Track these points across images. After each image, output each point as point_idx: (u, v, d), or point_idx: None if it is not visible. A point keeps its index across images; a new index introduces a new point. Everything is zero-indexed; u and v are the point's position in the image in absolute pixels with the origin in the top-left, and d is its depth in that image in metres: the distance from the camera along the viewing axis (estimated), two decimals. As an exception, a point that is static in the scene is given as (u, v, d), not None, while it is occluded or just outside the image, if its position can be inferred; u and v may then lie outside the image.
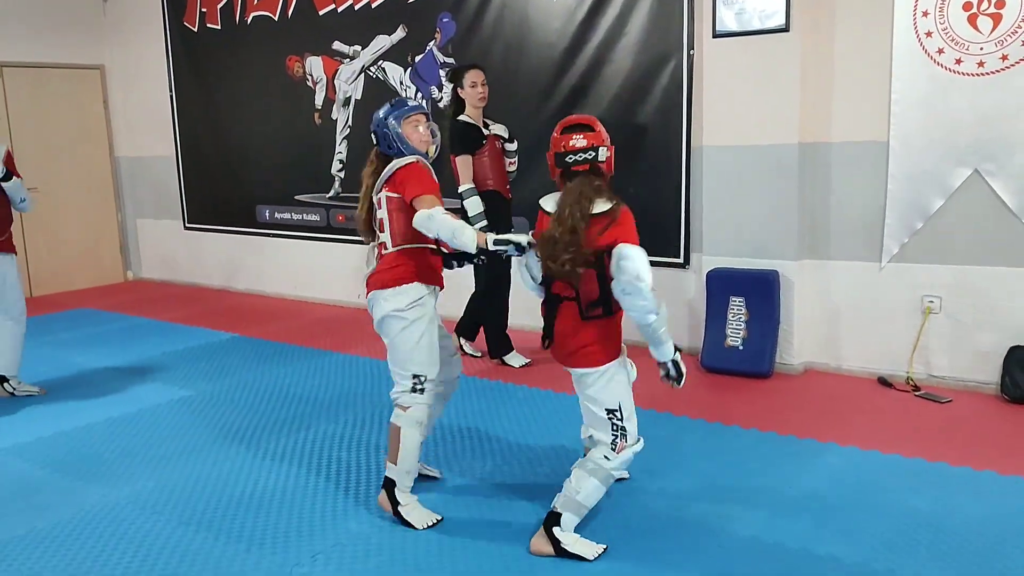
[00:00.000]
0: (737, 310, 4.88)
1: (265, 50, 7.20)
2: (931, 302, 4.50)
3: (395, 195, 3.07)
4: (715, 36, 4.82)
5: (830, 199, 4.73)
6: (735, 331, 4.86)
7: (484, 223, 4.73)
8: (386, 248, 3.12)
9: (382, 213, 3.11)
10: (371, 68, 6.57)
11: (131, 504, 3.38)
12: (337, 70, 6.79)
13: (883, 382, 4.61)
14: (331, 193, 7.00)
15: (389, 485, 3.16)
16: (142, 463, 3.81)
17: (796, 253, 4.76)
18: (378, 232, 3.16)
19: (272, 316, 6.83)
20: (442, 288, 3.22)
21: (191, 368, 5.34)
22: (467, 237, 2.88)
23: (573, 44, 5.43)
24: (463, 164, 4.82)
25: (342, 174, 6.90)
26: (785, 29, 4.57)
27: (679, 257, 5.22)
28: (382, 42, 6.45)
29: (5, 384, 4.79)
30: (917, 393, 4.42)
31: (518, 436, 3.98)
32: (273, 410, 4.49)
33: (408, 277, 3.08)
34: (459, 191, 4.81)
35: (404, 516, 3.11)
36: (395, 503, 3.13)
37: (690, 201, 5.14)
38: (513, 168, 5.07)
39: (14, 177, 4.67)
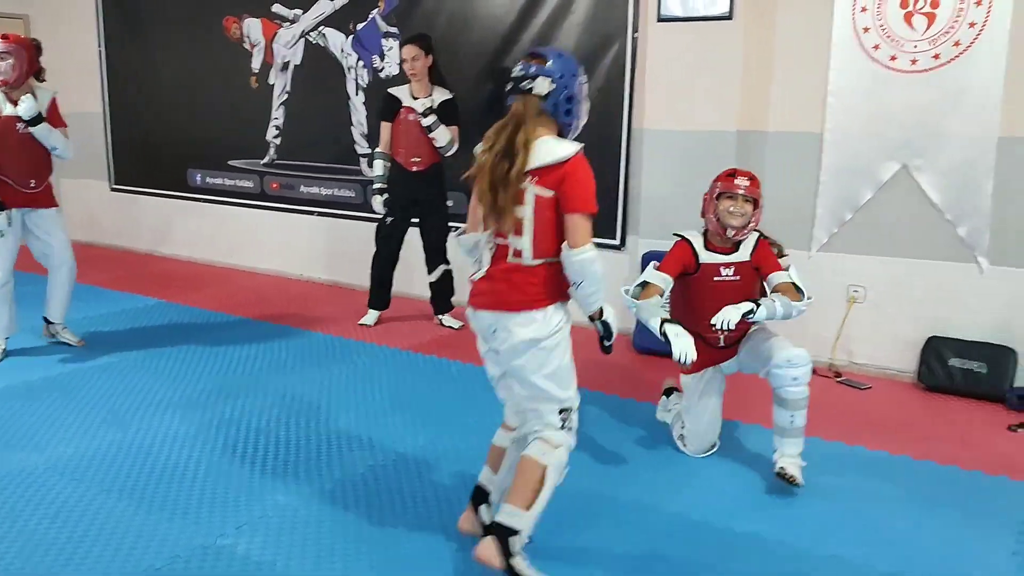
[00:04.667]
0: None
1: (202, 8, 6.97)
2: (856, 292, 4.64)
3: (550, 193, 2.41)
4: (659, 20, 4.85)
5: (764, 187, 4.79)
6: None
7: (378, 186, 5.24)
8: (518, 257, 2.46)
9: (523, 212, 2.43)
10: (311, 33, 6.42)
11: (50, 470, 3.27)
12: (276, 33, 6.62)
13: (807, 368, 4.74)
14: (266, 160, 6.84)
15: (506, 534, 2.46)
16: (61, 429, 3.69)
17: (730, 239, 4.84)
18: (508, 233, 2.47)
19: (201, 283, 6.67)
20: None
21: (114, 333, 5.18)
22: (601, 306, 2.52)
23: (518, 20, 5.40)
24: (382, 130, 5.24)
25: (278, 141, 6.74)
26: (728, 17, 4.62)
27: (615, 239, 5.26)
28: (324, 7, 6.31)
29: (50, 327, 4.92)
30: (839, 380, 4.56)
31: (453, 409, 3.98)
32: (200, 379, 4.39)
33: (547, 297, 2.47)
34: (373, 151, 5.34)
35: (518, 572, 2.48)
36: (508, 555, 2.46)
37: (629, 182, 5.18)
38: (439, 143, 5.10)
39: (44, 122, 4.55)
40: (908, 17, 4.29)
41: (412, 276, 5.79)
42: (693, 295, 3.44)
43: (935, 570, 2.69)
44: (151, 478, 3.24)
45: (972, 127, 4.20)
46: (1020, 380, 4.22)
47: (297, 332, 5.26)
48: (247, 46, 6.79)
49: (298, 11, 6.45)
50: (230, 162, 7.06)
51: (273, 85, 6.72)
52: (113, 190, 8.04)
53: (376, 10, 6.05)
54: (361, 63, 6.18)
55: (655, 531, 2.90)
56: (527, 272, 2.46)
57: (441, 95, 5.14)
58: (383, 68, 6.06)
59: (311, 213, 6.64)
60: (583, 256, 2.39)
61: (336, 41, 6.29)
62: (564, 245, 2.42)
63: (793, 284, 3.30)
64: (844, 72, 4.48)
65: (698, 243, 3.39)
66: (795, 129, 4.70)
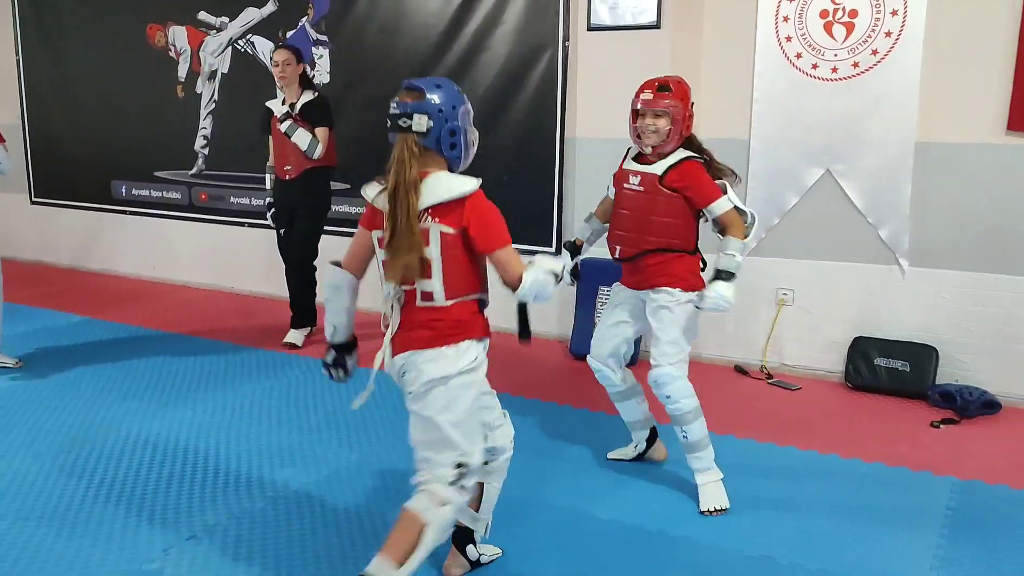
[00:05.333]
0: (605, 299, 4.98)
1: (124, 16, 6.78)
2: (785, 295, 4.73)
3: (453, 231, 2.30)
4: (589, 29, 4.90)
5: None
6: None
7: (270, 200, 5.22)
8: (429, 300, 2.33)
9: (430, 252, 2.30)
10: (239, 41, 6.31)
11: (-38, 498, 3.13)
12: (203, 41, 6.49)
13: (739, 370, 4.82)
14: (194, 170, 6.69)
15: None
16: (-24, 454, 3.54)
17: (662, 245, 4.90)
18: (415, 279, 2.33)
19: (128, 298, 6.48)
20: (489, 337, 2.48)
21: (37, 352, 4.99)
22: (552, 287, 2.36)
23: (450, 28, 5.39)
24: (269, 144, 5.15)
25: (206, 151, 6.60)
26: (656, 26, 4.69)
27: (551, 246, 5.28)
28: (252, 15, 6.21)
29: None
30: (770, 381, 4.64)
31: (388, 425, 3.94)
32: (125, 397, 4.26)
33: (459, 333, 2.34)
34: None
35: None
36: None
37: (562, 191, 5.20)
38: (301, 147, 4.88)
39: None
40: (828, 27, 4.40)
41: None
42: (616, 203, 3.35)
43: (863, 566, 2.75)
44: (72, 502, 3.12)
45: (890, 133, 4.33)
46: (942, 378, 4.35)
47: (228, 347, 5.15)
48: (172, 54, 6.64)
49: (225, 19, 6.34)
50: (156, 173, 6.89)
51: (200, 94, 6.58)
52: (33, 203, 7.76)
53: (306, 18, 5.98)
54: (304, 65, 6.08)
55: (589, 538, 2.91)
56: (439, 311, 2.33)
57: (306, 97, 4.99)
58: (314, 76, 5.98)
59: (242, 224, 6.51)
60: (527, 289, 2.30)
61: (265, 49, 6.19)
62: (501, 281, 2.35)
63: (736, 209, 3.15)
64: (768, 80, 4.58)
65: (632, 152, 3.32)
66: (723, 136, 4.77)
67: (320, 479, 3.35)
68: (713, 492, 3.14)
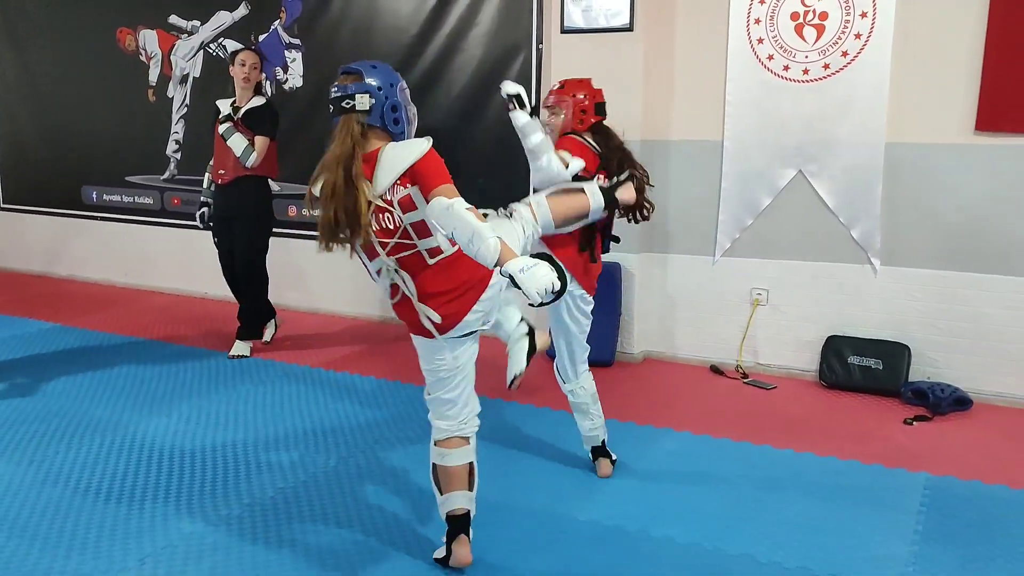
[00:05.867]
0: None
1: (93, 20, 6.71)
2: (759, 295, 4.77)
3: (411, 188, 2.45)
4: (563, 32, 4.91)
5: (669, 195, 4.92)
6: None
7: (204, 200, 5.09)
8: (438, 255, 2.49)
9: (417, 215, 2.43)
10: (211, 45, 6.26)
11: (-69, 510, 3.07)
12: (174, 45, 6.43)
13: (715, 370, 4.85)
14: (166, 175, 6.62)
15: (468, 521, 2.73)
16: (-55, 465, 3.48)
17: (637, 246, 4.92)
18: (413, 242, 2.47)
19: (100, 304, 6.40)
20: None
21: (4, 361, 4.91)
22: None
23: (424, 30, 5.38)
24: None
25: (178, 155, 6.54)
26: (629, 28, 4.71)
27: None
28: (223, 19, 6.16)
29: None
30: (746, 380, 4.68)
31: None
32: (98, 405, 4.21)
33: (484, 280, 2.56)
34: None
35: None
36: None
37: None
38: (235, 153, 4.74)
39: None
40: (799, 29, 4.45)
41: (312, 290, 5.70)
42: None
43: (841, 562, 2.77)
44: (46, 512, 3.08)
45: (861, 134, 4.38)
46: (914, 375, 4.41)
47: (202, 352, 5.10)
48: (143, 58, 6.57)
49: (196, 22, 6.28)
50: (128, 178, 6.81)
51: (172, 98, 6.52)
52: (2, 209, 7.64)
53: (278, 21, 5.94)
54: (264, 75, 6.04)
55: (570, 539, 2.91)
56: (454, 266, 2.49)
57: (254, 102, 4.86)
58: (287, 80, 5.95)
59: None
60: (452, 205, 2.31)
61: (237, 53, 6.14)
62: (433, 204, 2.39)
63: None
64: (740, 81, 4.62)
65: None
66: (697, 137, 4.81)
67: (297, 484, 3.32)
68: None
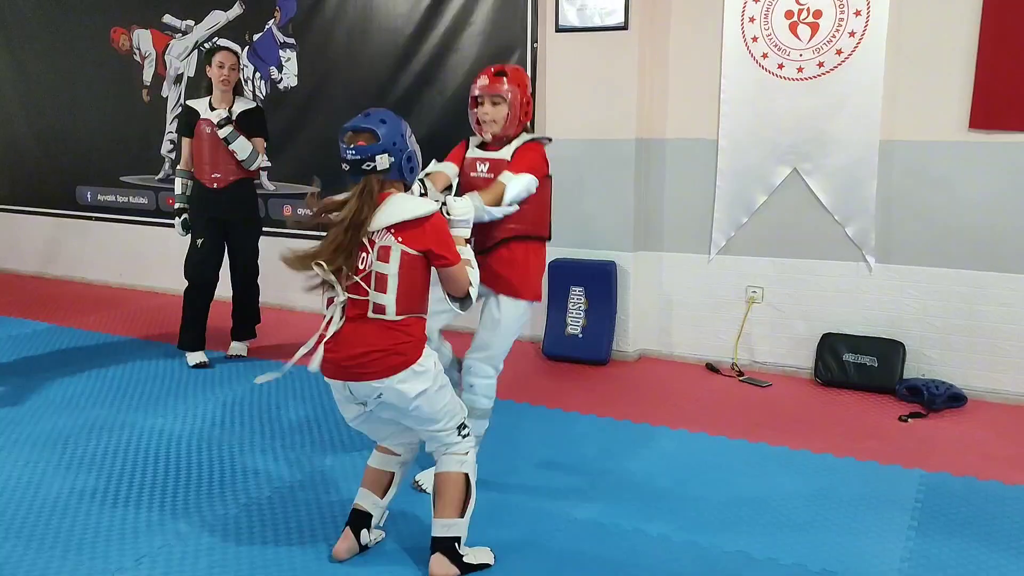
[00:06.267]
0: (577, 300, 5.01)
1: (87, 19, 6.69)
2: (754, 292, 4.78)
3: (415, 252, 2.47)
4: (558, 30, 4.91)
5: (664, 194, 4.93)
6: (575, 320, 4.99)
7: (180, 206, 4.86)
8: (380, 313, 2.48)
9: (386, 268, 2.46)
10: (205, 45, 6.25)
11: (-73, 512, 3.07)
12: (168, 45, 6.42)
13: (710, 368, 4.86)
14: (160, 175, 6.62)
15: (450, 543, 2.62)
16: (-60, 466, 3.47)
17: (633, 245, 4.93)
18: (366, 288, 2.48)
19: (95, 305, 6.39)
20: None
21: (1, 361, 4.91)
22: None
23: (418, 30, 5.38)
24: (183, 145, 4.85)
25: (172, 155, 6.53)
26: (624, 27, 4.72)
27: (522, 247, 5.28)
28: (217, 18, 6.15)
29: None
30: (741, 378, 4.69)
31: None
32: (94, 405, 4.20)
33: (418, 348, 2.53)
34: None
35: (474, 563, 2.66)
36: (459, 557, 2.62)
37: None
38: (240, 157, 4.67)
39: None
40: (793, 27, 4.46)
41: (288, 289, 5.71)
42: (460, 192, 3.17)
43: (836, 559, 2.78)
44: (42, 513, 3.07)
45: (855, 131, 4.39)
46: (909, 372, 4.42)
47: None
48: (137, 58, 6.56)
49: (190, 22, 6.28)
50: (122, 178, 6.80)
51: (167, 98, 6.51)
52: (-4, 210, 7.64)
53: (272, 20, 5.94)
54: (259, 75, 6.05)
55: (565, 537, 2.91)
56: (392, 330, 2.49)
57: (242, 104, 4.78)
58: (281, 79, 5.95)
59: (210, 229, 6.44)
60: (472, 301, 2.63)
61: (231, 52, 6.13)
62: (448, 296, 2.62)
63: (504, 187, 2.98)
64: (735, 80, 4.62)
65: (475, 141, 3.22)
66: (692, 136, 4.82)
67: (294, 484, 3.32)
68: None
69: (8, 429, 3.87)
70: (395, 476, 2.79)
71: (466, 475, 2.65)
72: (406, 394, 2.50)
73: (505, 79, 3.06)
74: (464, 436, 2.68)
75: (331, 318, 2.53)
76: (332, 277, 2.48)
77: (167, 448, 3.67)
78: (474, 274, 2.64)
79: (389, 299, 2.47)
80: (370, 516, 2.76)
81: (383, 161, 2.47)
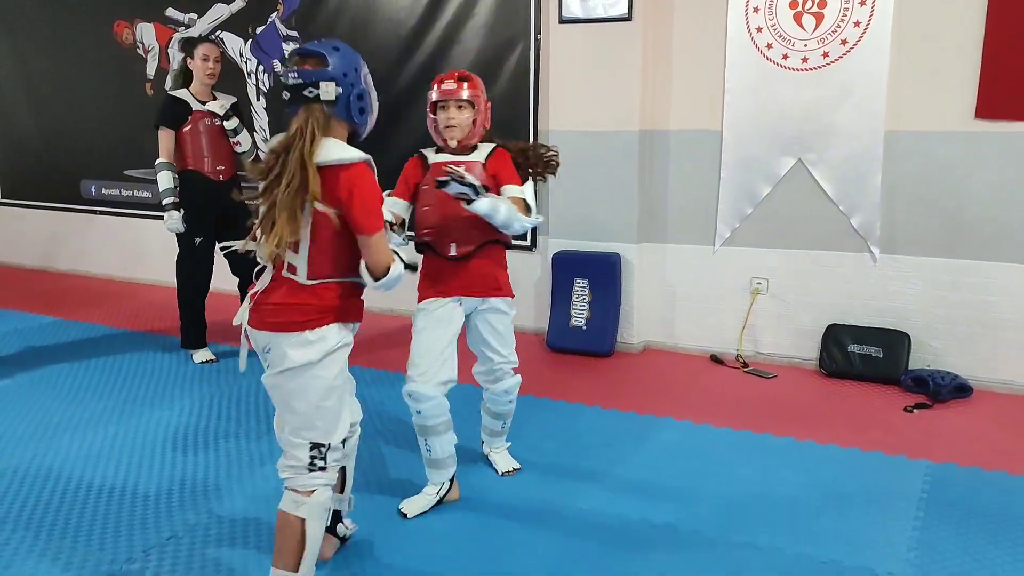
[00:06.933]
0: (581, 292, 5.01)
1: (90, 13, 6.69)
2: (759, 284, 4.78)
3: (331, 211, 2.21)
4: (561, 22, 4.90)
5: (668, 185, 4.92)
6: (579, 312, 4.99)
7: (171, 200, 4.58)
8: (292, 273, 2.25)
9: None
10: (209, 38, 6.24)
11: (-65, 504, 3.08)
12: (171, 38, 6.41)
13: (715, 359, 4.86)
14: (164, 169, 6.61)
15: None
16: (-52, 459, 3.48)
17: (636, 237, 4.93)
18: (285, 248, 2.22)
19: (100, 299, 6.40)
20: (360, 321, 2.43)
21: (6, 354, 4.92)
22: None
23: (421, 22, 5.37)
24: (163, 137, 4.62)
25: (175, 149, 6.53)
26: (628, 18, 4.70)
27: (526, 240, 5.29)
28: (220, 11, 6.14)
29: None
30: (746, 369, 4.69)
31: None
32: (101, 398, 4.21)
33: (326, 316, 2.26)
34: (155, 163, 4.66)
35: None
36: None
37: (537, 185, 5.19)
38: (242, 148, 4.70)
39: None
40: (798, 17, 4.44)
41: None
42: (422, 200, 3.05)
43: (841, 549, 2.78)
44: (51, 504, 3.08)
45: (860, 122, 4.38)
46: (914, 363, 4.42)
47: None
48: (141, 51, 6.56)
49: (193, 15, 6.27)
50: (126, 172, 6.80)
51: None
52: (1, 204, 7.64)
53: (275, 13, 5.93)
54: (261, 68, 6.05)
55: (572, 529, 2.92)
56: (302, 291, 2.25)
57: (225, 98, 4.73)
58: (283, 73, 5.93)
59: (214, 222, 6.44)
60: (389, 280, 2.27)
61: (235, 46, 6.13)
62: (363, 267, 2.27)
63: (524, 201, 2.98)
64: (739, 70, 4.61)
65: (431, 152, 3.10)
66: (696, 127, 4.81)
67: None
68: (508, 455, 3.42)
69: (13, 422, 3.88)
70: (346, 469, 2.65)
71: (303, 521, 2.26)
72: (290, 359, 2.21)
73: (468, 83, 2.97)
74: (319, 469, 2.29)
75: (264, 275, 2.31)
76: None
77: (173, 440, 3.68)
78: (406, 252, 2.38)
79: (300, 260, 2.23)
80: (338, 512, 2.71)
81: (328, 90, 2.19)
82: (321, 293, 2.25)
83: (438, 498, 3.06)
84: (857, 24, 4.31)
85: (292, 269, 2.25)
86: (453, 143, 2.99)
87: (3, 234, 7.67)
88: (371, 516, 2.97)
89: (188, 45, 4.72)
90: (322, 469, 2.30)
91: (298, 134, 2.19)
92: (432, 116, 3.04)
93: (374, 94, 2.36)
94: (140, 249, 6.90)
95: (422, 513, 3.01)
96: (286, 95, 2.24)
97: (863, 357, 4.46)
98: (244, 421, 3.91)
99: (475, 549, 2.78)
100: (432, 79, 3.08)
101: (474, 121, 2.99)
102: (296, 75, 2.21)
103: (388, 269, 2.26)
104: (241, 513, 3.03)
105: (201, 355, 4.86)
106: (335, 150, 2.20)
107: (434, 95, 2.99)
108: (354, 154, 2.21)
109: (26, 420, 3.91)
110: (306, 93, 2.19)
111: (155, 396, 4.25)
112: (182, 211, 4.62)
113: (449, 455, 3.03)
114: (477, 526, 2.86)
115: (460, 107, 2.97)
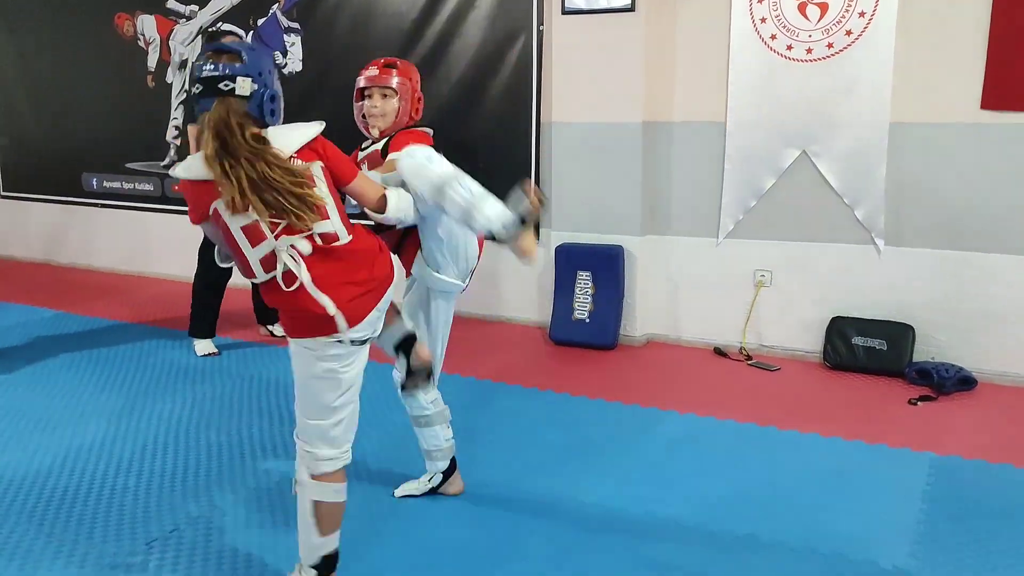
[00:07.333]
0: (584, 284, 4.99)
1: (91, 5, 6.67)
2: (762, 276, 4.76)
3: (321, 164, 2.26)
4: (564, 13, 4.87)
5: (671, 177, 4.90)
6: (582, 304, 4.98)
7: None
8: (336, 241, 2.22)
9: (318, 191, 2.19)
10: (210, 30, 6.22)
11: (-62, 497, 3.08)
12: (172, 30, 6.39)
13: (719, 352, 4.85)
14: (166, 161, 6.60)
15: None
16: (-49, 452, 3.48)
17: (640, 229, 4.91)
18: (318, 218, 2.18)
19: (102, 292, 6.40)
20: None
21: (8, 348, 4.92)
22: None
23: (423, 14, 5.34)
24: (192, 133, 4.57)
25: (177, 141, 6.52)
26: (631, 8, 4.68)
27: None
28: (222, 3, 6.12)
29: None
30: (749, 362, 4.67)
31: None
32: (102, 392, 4.21)
33: (385, 249, 2.40)
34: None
35: None
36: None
37: (540, 177, 5.19)
38: None
39: None
40: (802, 7, 4.41)
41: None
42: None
43: (845, 542, 2.77)
44: (52, 499, 3.08)
45: (865, 113, 4.36)
46: (918, 355, 4.40)
47: (205, 338, 5.09)
48: (142, 44, 6.54)
49: (194, 7, 6.25)
50: (128, 165, 6.79)
51: (171, 84, 6.49)
52: (2, 197, 7.63)
53: (277, 5, 5.90)
54: (262, 60, 6.02)
55: (576, 521, 2.91)
56: (363, 250, 2.28)
57: None
58: (286, 64, 5.92)
59: (216, 215, 6.43)
60: (397, 205, 2.42)
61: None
62: (370, 213, 2.43)
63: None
64: (743, 62, 4.59)
65: (366, 144, 2.93)
66: (699, 119, 4.79)
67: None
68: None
69: (16, 416, 3.88)
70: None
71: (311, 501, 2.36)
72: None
73: (395, 71, 2.83)
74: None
75: (285, 275, 2.17)
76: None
77: (176, 433, 3.68)
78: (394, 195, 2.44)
79: (336, 223, 2.22)
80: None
81: (244, 85, 2.16)
82: (372, 241, 2.35)
83: (430, 486, 3.06)
84: (862, 15, 4.29)
85: (330, 238, 2.20)
86: (375, 132, 2.84)
87: (5, 227, 7.67)
88: (372, 507, 2.96)
89: (212, 38, 4.75)
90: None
91: (213, 125, 2.14)
92: (357, 103, 2.89)
93: (282, 99, 2.33)
94: (142, 242, 6.89)
95: (408, 495, 3.05)
96: (198, 88, 2.20)
97: (867, 350, 4.45)
98: (247, 414, 3.90)
99: (478, 541, 2.78)
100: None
101: (399, 109, 2.83)
102: (213, 67, 2.18)
103: (385, 199, 2.41)
104: (244, 505, 3.02)
105: (203, 347, 4.86)
106: (292, 132, 2.23)
107: (361, 82, 2.86)
108: (311, 128, 2.26)
109: (28, 413, 3.90)
110: (221, 86, 2.16)
111: (157, 389, 4.24)
112: None
113: (436, 448, 3.02)
114: (480, 518, 2.85)
115: (385, 95, 2.82)
